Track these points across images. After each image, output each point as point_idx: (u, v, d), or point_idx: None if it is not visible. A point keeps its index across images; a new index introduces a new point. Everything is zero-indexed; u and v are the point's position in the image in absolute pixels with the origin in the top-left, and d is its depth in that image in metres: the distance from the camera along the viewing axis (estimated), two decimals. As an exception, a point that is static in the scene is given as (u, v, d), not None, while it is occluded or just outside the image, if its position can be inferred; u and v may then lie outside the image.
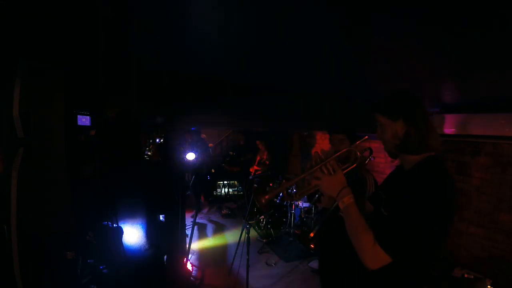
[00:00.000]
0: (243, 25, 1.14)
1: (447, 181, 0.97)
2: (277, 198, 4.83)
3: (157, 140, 2.85)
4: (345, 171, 1.21)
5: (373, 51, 1.42)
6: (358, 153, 1.26)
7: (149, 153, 2.93)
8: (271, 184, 5.34)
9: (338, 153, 1.21)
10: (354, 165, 1.26)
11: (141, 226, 1.88)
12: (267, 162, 6.04)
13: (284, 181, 4.96)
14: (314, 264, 3.74)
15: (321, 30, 1.14)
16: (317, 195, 1.52)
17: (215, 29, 1.18)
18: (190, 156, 4.21)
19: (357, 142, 1.31)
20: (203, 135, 6.82)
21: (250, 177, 6.07)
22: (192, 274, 3.17)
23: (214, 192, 7.10)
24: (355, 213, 1.05)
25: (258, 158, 6.24)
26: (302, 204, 4.85)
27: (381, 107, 1.10)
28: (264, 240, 4.49)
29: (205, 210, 6.07)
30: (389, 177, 1.28)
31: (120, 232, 1.82)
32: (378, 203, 1.12)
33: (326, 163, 1.17)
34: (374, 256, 0.94)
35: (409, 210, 0.92)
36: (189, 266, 3.07)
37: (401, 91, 1.11)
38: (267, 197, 1.18)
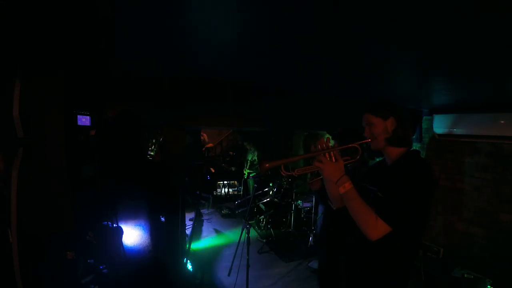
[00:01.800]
0: (243, 25, 1.14)
1: (429, 167, 1.23)
2: (279, 195, 4.83)
3: (161, 140, 2.83)
4: (345, 163, 1.30)
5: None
6: (360, 151, 1.35)
7: (152, 153, 2.92)
8: (270, 184, 5.35)
9: (344, 146, 1.33)
10: (354, 160, 1.36)
11: (141, 226, 1.88)
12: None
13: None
14: (314, 264, 3.74)
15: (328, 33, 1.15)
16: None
17: (217, 30, 1.18)
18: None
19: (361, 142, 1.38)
20: (204, 135, 6.82)
21: (250, 177, 6.07)
22: (192, 274, 3.17)
23: (214, 192, 7.10)
24: (357, 196, 1.20)
25: (249, 161, 6.08)
26: (302, 204, 4.86)
27: (374, 110, 1.31)
28: (264, 240, 4.50)
29: (205, 211, 6.07)
30: (372, 172, 1.45)
31: (120, 232, 1.81)
32: (365, 193, 1.27)
33: (330, 151, 1.27)
34: (377, 228, 1.13)
35: (403, 190, 1.14)
36: (189, 266, 3.07)
37: (386, 99, 1.33)
38: (267, 165, 1.25)
